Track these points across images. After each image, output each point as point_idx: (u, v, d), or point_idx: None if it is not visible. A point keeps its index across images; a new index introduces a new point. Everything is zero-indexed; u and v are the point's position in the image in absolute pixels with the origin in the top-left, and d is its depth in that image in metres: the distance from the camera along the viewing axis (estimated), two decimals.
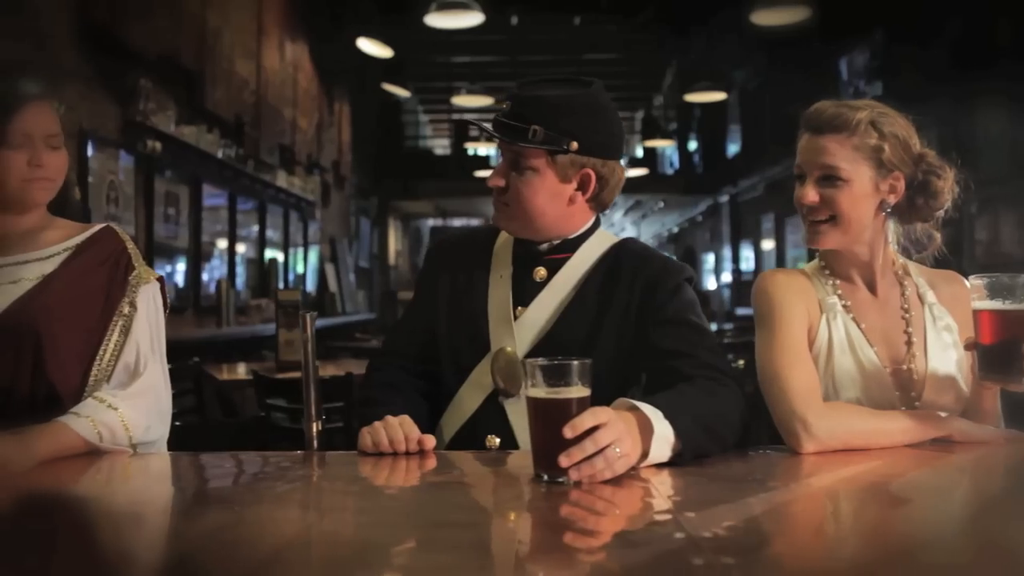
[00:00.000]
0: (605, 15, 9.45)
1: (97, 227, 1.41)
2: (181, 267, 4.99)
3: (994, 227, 5.27)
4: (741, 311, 9.55)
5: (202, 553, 0.83)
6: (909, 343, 1.34)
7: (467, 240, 1.55)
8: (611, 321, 1.38)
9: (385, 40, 6.88)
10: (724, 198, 11.14)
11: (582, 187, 1.40)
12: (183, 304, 4.95)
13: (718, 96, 8.59)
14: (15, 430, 1.18)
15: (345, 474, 1.21)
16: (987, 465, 1.23)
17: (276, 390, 3.26)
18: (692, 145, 12.60)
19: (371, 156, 10.37)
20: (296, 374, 3.48)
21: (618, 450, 1.04)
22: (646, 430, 1.10)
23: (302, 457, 1.28)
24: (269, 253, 6.65)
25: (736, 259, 10.82)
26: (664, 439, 1.11)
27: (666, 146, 12.88)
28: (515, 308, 1.41)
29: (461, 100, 9.87)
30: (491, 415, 1.39)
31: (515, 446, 1.36)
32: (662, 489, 1.04)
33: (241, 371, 3.93)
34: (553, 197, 1.38)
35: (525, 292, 1.42)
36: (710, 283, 12.25)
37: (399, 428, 1.26)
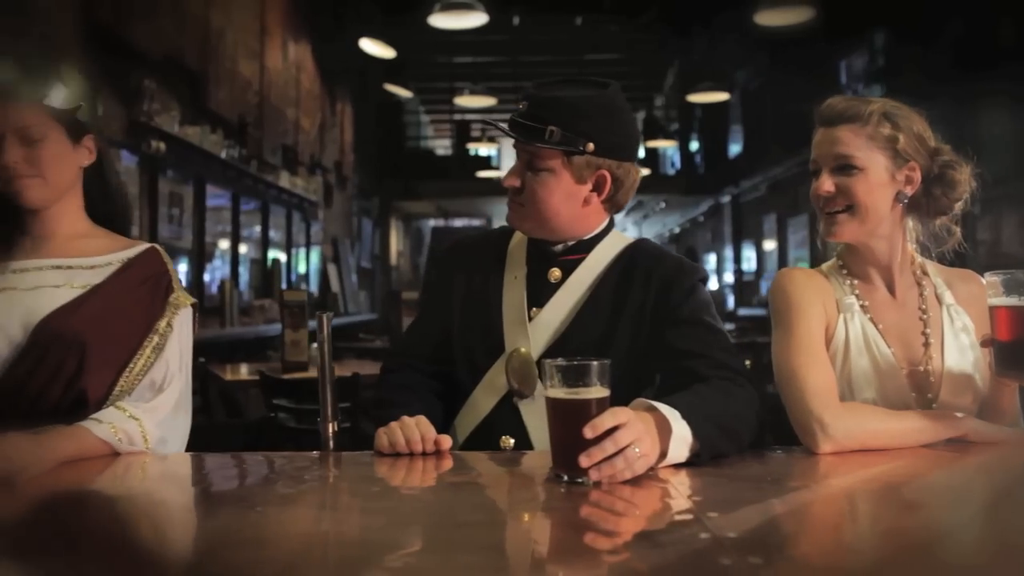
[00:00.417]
0: (607, 15, 9.45)
1: (144, 246, 1.41)
2: (184, 267, 4.99)
3: (997, 228, 5.28)
4: (743, 312, 9.54)
5: (226, 551, 0.83)
6: (926, 344, 1.34)
7: (481, 241, 1.55)
8: (626, 322, 1.38)
9: (387, 40, 6.89)
10: (726, 198, 11.13)
11: (597, 188, 1.40)
12: None
13: (720, 96, 8.61)
14: (35, 430, 1.18)
15: (362, 474, 1.20)
16: (1004, 465, 1.23)
17: (282, 391, 3.25)
18: (694, 145, 12.58)
19: (373, 156, 10.36)
20: (302, 375, 3.49)
21: (638, 450, 1.04)
22: (664, 430, 1.10)
23: (318, 457, 1.28)
24: (272, 253, 6.65)
25: (738, 260, 10.82)
26: (682, 439, 1.11)
27: (668, 146, 12.87)
28: (530, 309, 1.41)
29: (463, 100, 9.88)
30: (505, 416, 1.39)
31: (529, 447, 1.37)
32: (682, 489, 1.04)
33: (244, 372, 3.92)
34: (568, 198, 1.38)
35: (540, 293, 1.42)
36: (711, 283, 12.24)
37: (415, 428, 1.26)
